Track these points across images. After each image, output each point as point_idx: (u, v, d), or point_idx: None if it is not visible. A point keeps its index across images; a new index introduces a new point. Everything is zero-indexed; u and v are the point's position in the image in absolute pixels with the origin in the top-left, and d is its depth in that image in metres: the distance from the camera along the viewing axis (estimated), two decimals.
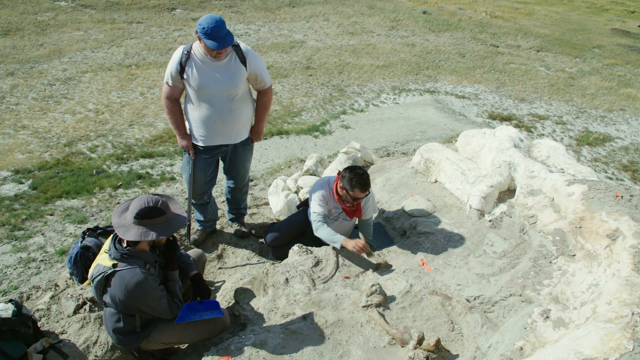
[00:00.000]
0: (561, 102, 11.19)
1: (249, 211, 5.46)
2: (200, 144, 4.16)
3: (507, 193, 4.54)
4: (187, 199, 4.53)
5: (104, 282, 2.95)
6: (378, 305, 3.36)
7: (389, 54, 13.24)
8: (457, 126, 8.64)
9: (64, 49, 11.62)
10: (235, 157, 4.39)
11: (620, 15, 23.14)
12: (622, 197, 3.58)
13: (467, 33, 16.28)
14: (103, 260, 2.99)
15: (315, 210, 4.11)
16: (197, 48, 3.79)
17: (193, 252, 3.83)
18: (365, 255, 4.01)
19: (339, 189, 4.13)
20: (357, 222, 4.56)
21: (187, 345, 3.59)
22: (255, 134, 4.42)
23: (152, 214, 2.92)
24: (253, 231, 5.05)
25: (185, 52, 3.81)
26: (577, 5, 24.14)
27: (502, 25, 17.97)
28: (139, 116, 8.45)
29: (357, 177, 3.95)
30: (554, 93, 11.71)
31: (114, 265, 2.92)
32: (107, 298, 3.00)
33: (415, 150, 6.34)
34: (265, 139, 7.89)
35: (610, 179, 7.85)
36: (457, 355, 3.03)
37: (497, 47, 15.13)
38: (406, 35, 15.33)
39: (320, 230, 4.06)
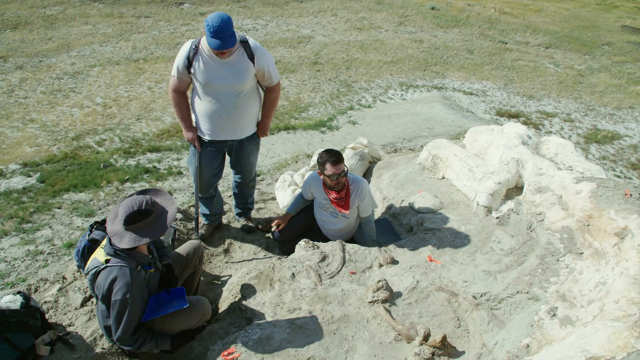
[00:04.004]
0: (570, 100, 11.12)
1: (255, 206, 5.47)
2: (206, 137, 4.16)
3: (515, 190, 4.52)
4: (194, 193, 4.54)
5: (95, 277, 2.98)
6: (384, 301, 3.36)
7: (396, 50, 13.19)
8: (465, 123, 8.61)
9: (72, 43, 11.66)
10: (241, 152, 4.39)
11: (630, 12, 22.93)
12: (631, 195, 3.55)
13: (476, 29, 16.19)
14: (99, 256, 3.01)
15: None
16: (205, 43, 3.78)
17: (190, 244, 3.82)
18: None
19: (323, 179, 4.25)
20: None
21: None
22: (262, 129, 4.39)
23: (140, 217, 2.92)
24: (260, 226, 5.06)
25: (194, 46, 3.80)
26: (587, 2, 23.95)
27: (511, 22, 17.86)
28: (146, 110, 8.48)
29: (325, 154, 4.11)
30: (562, 90, 11.63)
31: (107, 261, 2.93)
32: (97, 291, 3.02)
33: (423, 146, 6.32)
34: (273, 134, 7.90)
35: (619, 177, 7.80)
36: (463, 352, 3.03)
37: (506, 43, 15.04)
38: (414, 31, 15.27)
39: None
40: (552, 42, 15.71)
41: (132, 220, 2.91)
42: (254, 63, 3.90)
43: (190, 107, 4.16)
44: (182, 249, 3.75)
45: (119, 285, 2.86)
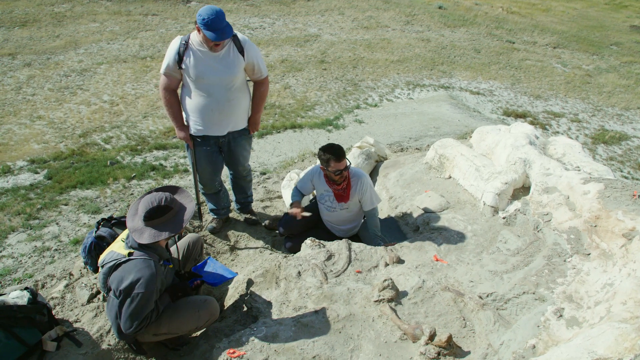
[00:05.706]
0: (577, 100, 11.05)
1: (262, 204, 5.48)
2: (197, 134, 4.17)
3: (522, 190, 4.50)
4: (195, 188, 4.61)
5: (114, 269, 2.99)
6: (390, 300, 3.35)
7: (403, 49, 13.16)
8: (472, 122, 8.58)
9: (80, 40, 11.70)
10: (233, 148, 4.39)
11: (639, 12, 22.76)
12: (639, 196, 3.53)
13: (483, 29, 16.13)
14: (118, 248, 3.04)
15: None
16: (195, 38, 3.81)
17: (189, 237, 3.84)
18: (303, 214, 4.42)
19: (324, 171, 4.27)
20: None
21: (198, 335, 3.60)
22: (252, 125, 4.41)
23: (159, 213, 2.98)
24: (267, 221, 5.07)
25: (184, 42, 3.82)
26: (596, 1, 23.77)
27: (519, 21, 17.78)
28: (153, 108, 8.50)
29: (328, 150, 4.10)
30: (570, 90, 11.57)
31: (130, 254, 2.96)
32: (111, 284, 3.02)
33: (429, 145, 6.31)
34: (279, 132, 7.91)
35: (626, 178, 7.75)
36: (469, 352, 3.02)
37: (513, 43, 14.97)
38: (421, 30, 15.23)
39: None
40: (559, 42, 15.62)
41: (152, 216, 2.97)
42: (243, 56, 3.95)
43: (181, 105, 4.17)
44: (181, 243, 3.79)
45: (144, 277, 2.89)
